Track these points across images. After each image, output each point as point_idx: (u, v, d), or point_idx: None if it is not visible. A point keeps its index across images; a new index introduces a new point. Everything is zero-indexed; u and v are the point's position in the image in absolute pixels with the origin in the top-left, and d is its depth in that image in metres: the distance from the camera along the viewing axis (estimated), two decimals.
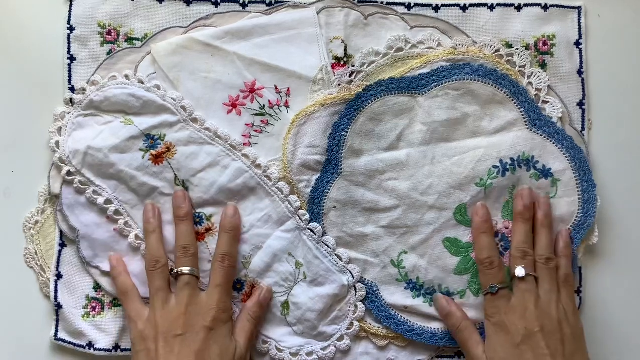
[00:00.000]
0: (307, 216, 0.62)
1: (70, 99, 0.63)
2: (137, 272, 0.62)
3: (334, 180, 0.62)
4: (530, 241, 0.59)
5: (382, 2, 0.65)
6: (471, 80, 0.62)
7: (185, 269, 0.58)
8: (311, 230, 0.62)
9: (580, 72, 0.65)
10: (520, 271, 0.57)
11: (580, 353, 0.56)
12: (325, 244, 0.62)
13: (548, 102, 0.64)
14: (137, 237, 0.62)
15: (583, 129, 0.65)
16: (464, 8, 0.65)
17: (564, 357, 0.54)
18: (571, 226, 0.62)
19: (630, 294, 0.64)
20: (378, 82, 0.62)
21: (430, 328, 0.62)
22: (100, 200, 0.62)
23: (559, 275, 0.58)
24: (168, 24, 0.64)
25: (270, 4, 0.65)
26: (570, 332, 0.55)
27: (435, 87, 0.62)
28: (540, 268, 0.58)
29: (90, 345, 0.62)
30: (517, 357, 0.55)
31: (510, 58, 0.64)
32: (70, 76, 0.64)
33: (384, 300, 0.62)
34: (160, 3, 0.65)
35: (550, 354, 0.54)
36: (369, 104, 0.62)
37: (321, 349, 0.61)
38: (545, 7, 0.65)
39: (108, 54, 0.64)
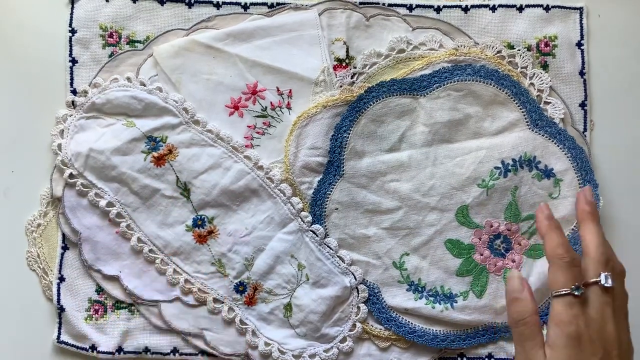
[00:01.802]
0: (310, 218, 0.62)
1: (72, 102, 0.63)
2: (138, 274, 0.62)
3: (336, 182, 0.62)
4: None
5: (383, 4, 0.65)
6: (473, 81, 0.62)
7: None
8: (313, 232, 0.62)
9: (582, 73, 0.65)
10: (607, 280, 0.48)
11: None
12: (328, 246, 0.62)
13: (550, 103, 0.64)
14: (139, 240, 0.62)
15: (585, 129, 0.65)
16: (465, 9, 0.65)
17: None
18: (574, 226, 0.62)
19: (633, 294, 0.64)
20: (380, 84, 0.62)
21: (432, 330, 0.62)
22: (102, 203, 0.62)
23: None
24: (170, 26, 0.64)
25: (271, 6, 0.65)
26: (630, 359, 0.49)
27: (437, 88, 0.62)
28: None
29: (92, 347, 0.62)
30: None
31: (512, 59, 0.64)
32: (72, 78, 0.64)
33: (385, 302, 0.62)
34: (162, 5, 0.65)
35: None
36: (370, 105, 0.62)
37: (324, 351, 0.61)
38: (547, 8, 0.65)
39: (110, 56, 0.64)
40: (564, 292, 0.48)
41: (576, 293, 0.48)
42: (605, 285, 0.48)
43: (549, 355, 0.47)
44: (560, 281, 0.49)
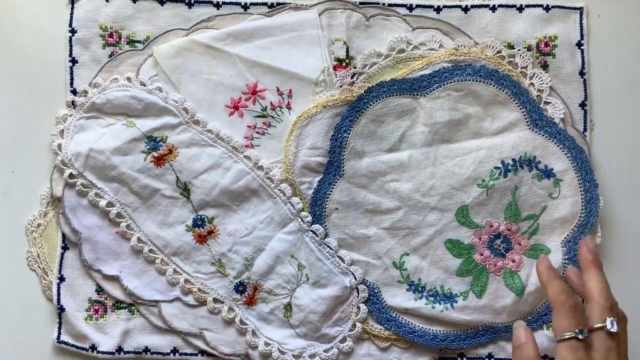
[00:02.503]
0: (310, 218, 0.62)
1: (72, 102, 0.63)
2: (138, 274, 0.62)
3: (336, 182, 0.62)
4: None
5: (383, 4, 0.65)
6: (473, 81, 0.62)
7: None
8: (313, 232, 0.62)
9: (582, 73, 0.65)
10: (613, 325, 0.49)
11: None
12: (328, 246, 0.62)
13: (550, 103, 0.64)
14: (139, 240, 0.62)
15: (585, 129, 0.65)
16: (465, 9, 0.65)
17: None
18: (575, 226, 0.62)
19: (633, 294, 0.64)
20: (380, 84, 0.62)
21: (432, 330, 0.62)
22: (102, 203, 0.62)
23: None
24: (170, 26, 0.64)
25: (271, 6, 0.65)
26: None
27: (437, 88, 0.62)
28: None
29: (92, 347, 0.62)
30: None
31: (512, 59, 0.64)
32: (72, 78, 0.64)
33: (385, 302, 0.62)
34: (162, 5, 0.65)
35: None
36: (370, 105, 0.62)
37: (324, 351, 0.61)
38: (547, 8, 0.65)
39: (110, 56, 0.64)
40: (568, 336, 0.48)
41: (580, 337, 0.48)
42: (611, 330, 0.49)
43: None
44: (564, 326, 0.49)
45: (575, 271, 0.56)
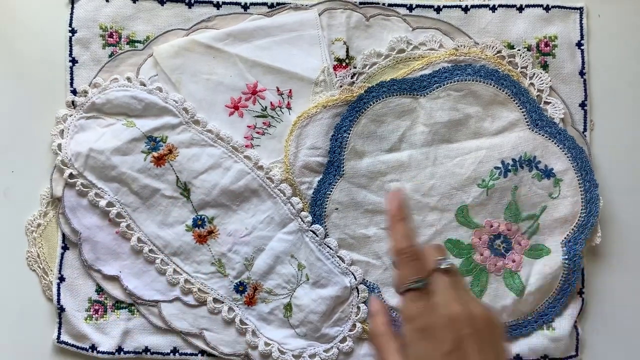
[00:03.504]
0: (310, 218, 0.62)
1: (72, 102, 0.63)
2: (138, 274, 0.62)
3: (336, 182, 0.62)
4: None
5: (383, 4, 0.65)
6: (473, 81, 0.62)
7: None
8: (313, 232, 0.62)
9: (582, 73, 0.65)
10: (446, 262, 0.47)
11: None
12: (328, 246, 0.62)
13: (550, 103, 0.64)
14: (139, 240, 0.62)
15: (585, 129, 0.65)
16: (465, 9, 0.65)
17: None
18: (575, 226, 0.62)
19: (633, 294, 0.64)
20: (380, 84, 0.62)
21: None
22: (102, 203, 0.62)
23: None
24: (170, 26, 0.64)
25: (271, 6, 0.65)
26: (499, 332, 0.46)
27: (437, 88, 0.62)
28: None
29: (92, 347, 0.62)
30: None
31: (512, 59, 0.64)
32: (72, 78, 0.64)
33: (385, 302, 0.62)
34: (162, 5, 0.65)
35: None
36: (370, 105, 0.62)
37: (324, 351, 0.61)
38: (547, 8, 0.65)
39: (110, 56, 0.64)
40: (407, 288, 0.46)
41: (413, 287, 0.46)
42: (444, 266, 0.46)
43: (408, 353, 0.45)
44: (402, 277, 0.47)
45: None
